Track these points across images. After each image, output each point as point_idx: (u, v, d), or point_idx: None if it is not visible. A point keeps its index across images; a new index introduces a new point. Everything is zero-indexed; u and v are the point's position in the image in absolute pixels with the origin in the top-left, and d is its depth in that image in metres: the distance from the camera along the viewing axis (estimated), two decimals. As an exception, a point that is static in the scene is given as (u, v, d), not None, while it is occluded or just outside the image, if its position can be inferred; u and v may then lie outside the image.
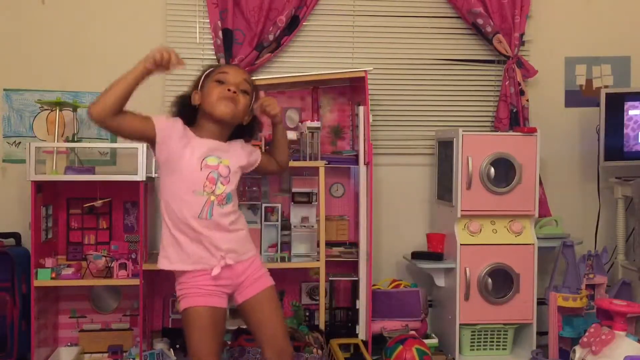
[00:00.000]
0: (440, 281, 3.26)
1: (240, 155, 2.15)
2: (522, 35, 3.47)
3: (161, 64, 2.03)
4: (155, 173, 3.10)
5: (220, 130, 2.11)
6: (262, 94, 2.24)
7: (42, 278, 2.86)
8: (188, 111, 2.13)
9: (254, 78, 2.26)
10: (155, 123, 2.06)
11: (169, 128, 2.06)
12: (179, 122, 2.10)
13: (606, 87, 3.60)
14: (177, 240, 2.04)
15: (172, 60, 2.02)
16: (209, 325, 2.05)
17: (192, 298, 2.06)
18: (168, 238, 2.07)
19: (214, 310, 2.07)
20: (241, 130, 2.17)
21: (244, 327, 3.10)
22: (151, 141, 2.06)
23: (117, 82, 2.07)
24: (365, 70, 3.07)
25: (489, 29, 3.43)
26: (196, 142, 2.07)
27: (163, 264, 2.09)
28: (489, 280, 3.12)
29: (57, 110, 3.03)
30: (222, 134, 2.12)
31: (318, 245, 3.06)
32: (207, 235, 2.03)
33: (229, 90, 2.06)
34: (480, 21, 3.43)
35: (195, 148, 2.05)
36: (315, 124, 3.18)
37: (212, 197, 2.04)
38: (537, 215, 3.18)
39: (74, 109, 3.12)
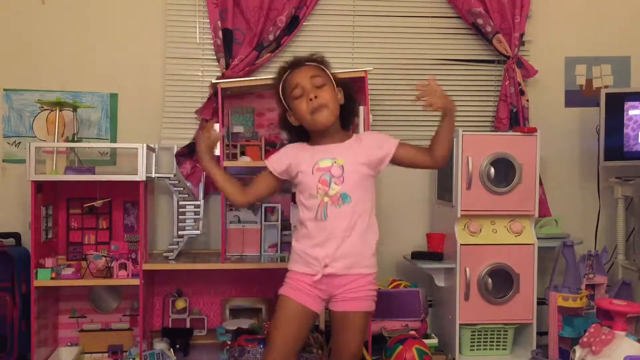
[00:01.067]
0: (440, 281, 3.26)
1: (357, 153, 2.14)
2: (522, 35, 3.47)
3: (207, 145, 2.21)
4: (156, 173, 3.11)
5: (332, 133, 2.16)
6: (429, 83, 2.18)
7: (42, 278, 2.86)
8: (297, 131, 2.21)
9: (317, 57, 2.23)
10: (271, 168, 2.22)
11: (283, 161, 2.20)
12: (288, 148, 2.23)
13: (606, 87, 3.60)
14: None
15: (207, 136, 2.20)
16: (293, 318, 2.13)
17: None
18: None
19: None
20: (344, 109, 2.19)
21: (244, 327, 3.11)
22: (285, 182, 2.25)
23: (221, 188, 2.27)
24: (365, 70, 3.07)
25: (489, 29, 3.43)
26: (308, 151, 2.17)
27: None
28: (489, 280, 3.12)
29: (57, 110, 3.03)
30: (335, 135, 2.17)
31: (318, 245, 3.05)
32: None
33: (310, 100, 2.09)
34: (480, 21, 3.43)
35: (307, 157, 2.15)
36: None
37: (326, 198, 2.10)
38: (537, 215, 3.18)
39: (74, 109, 3.12)
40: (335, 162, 2.11)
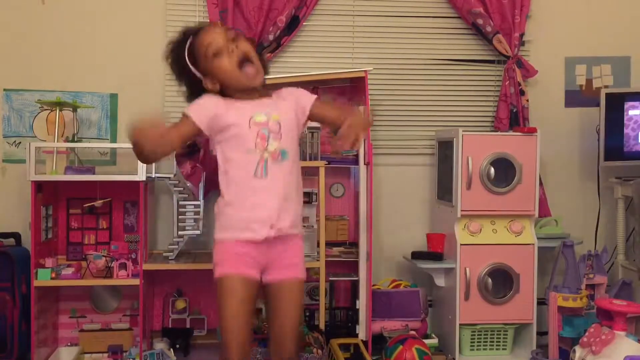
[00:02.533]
0: (440, 281, 3.26)
1: (287, 109, 2.02)
2: (522, 35, 3.47)
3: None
4: (156, 173, 3.11)
5: (256, 90, 2.02)
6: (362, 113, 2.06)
7: (42, 278, 2.86)
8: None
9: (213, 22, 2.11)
10: (195, 118, 1.95)
11: (210, 110, 1.96)
12: (210, 98, 2.00)
13: (606, 87, 3.60)
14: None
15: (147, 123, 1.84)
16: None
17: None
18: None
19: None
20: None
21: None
22: (203, 134, 1.99)
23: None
24: (365, 70, 3.07)
25: (489, 29, 3.44)
26: (237, 104, 1.98)
27: None
28: (489, 280, 3.12)
29: (57, 110, 3.03)
30: (259, 91, 2.03)
31: (318, 245, 3.05)
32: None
33: (232, 51, 1.95)
34: (480, 21, 3.43)
35: (239, 109, 1.97)
36: (316, 124, 3.18)
37: (266, 154, 1.96)
38: (537, 215, 3.18)
39: (74, 109, 3.12)
40: (271, 118, 1.96)
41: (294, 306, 2.01)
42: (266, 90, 2.07)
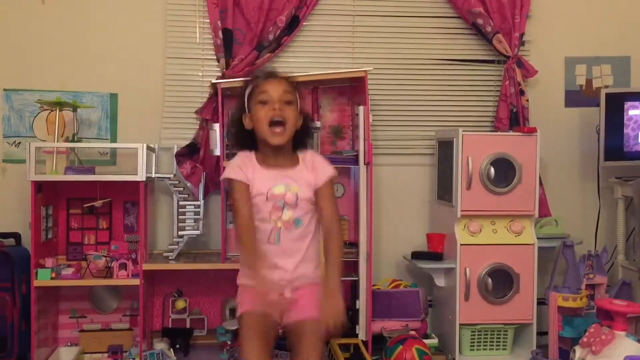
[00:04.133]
0: (440, 281, 3.26)
1: (307, 179, 2.15)
2: (522, 35, 3.47)
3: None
4: (156, 173, 3.11)
5: (283, 153, 2.15)
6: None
7: (42, 278, 2.86)
8: (246, 135, 2.18)
9: (293, 77, 2.25)
10: (244, 179, 2.13)
11: (241, 170, 2.13)
12: (241, 159, 2.17)
13: (606, 87, 3.60)
14: None
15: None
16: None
17: None
18: None
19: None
20: (298, 134, 2.18)
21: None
22: None
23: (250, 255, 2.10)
24: (365, 70, 3.07)
25: (489, 29, 3.43)
26: (262, 174, 2.13)
27: None
28: (489, 280, 3.12)
29: (57, 110, 3.03)
30: (286, 155, 2.17)
31: (318, 245, 3.05)
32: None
33: (274, 110, 2.08)
34: (480, 21, 3.43)
35: (263, 180, 2.12)
36: (315, 124, 3.18)
37: (279, 223, 2.11)
38: (537, 215, 3.18)
39: (74, 109, 3.12)
40: (289, 190, 2.11)
41: (314, 344, 2.11)
42: (294, 155, 2.20)
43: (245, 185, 2.11)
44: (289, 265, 2.11)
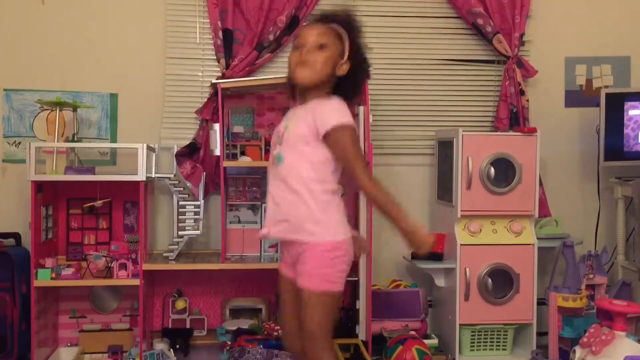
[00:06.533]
0: (440, 281, 3.26)
1: (303, 119, 2.02)
2: (522, 35, 3.47)
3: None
4: (156, 173, 3.11)
5: (309, 95, 2.06)
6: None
7: (42, 278, 2.85)
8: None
9: (341, 18, 2.11)
10: None
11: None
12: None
13: (606, 87, 3.60)
14: None
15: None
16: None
17: None
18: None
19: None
20: (343, 82, 2.08)
21: (244, 327, 3.11)
22: None
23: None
24: (365, 70, 3.06)
25: (489, 29, 3.43)
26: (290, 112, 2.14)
27: None
28: (489, 280, 3.12)
29: (57, 110, 3.03)
30: (314, 99, 2.05)
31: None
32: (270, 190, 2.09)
33: (300, 54, 2.03)
34: (480, 21, 3.43)
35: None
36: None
37: (271, 160, 2.09)
38: (537, 215, 3.18)
39: (74, 109, 3.11)
40: (287, 127, 2.06)
41: (302, 312, 1.99)
42: (319, 98, 2.06)
43: None
44: (270, 205, 2.06)
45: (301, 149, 2.01)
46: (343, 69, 2.07)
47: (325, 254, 1.99)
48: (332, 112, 2.00)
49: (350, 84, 2.11)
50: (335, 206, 2.04)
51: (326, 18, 2.12)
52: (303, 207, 1.99)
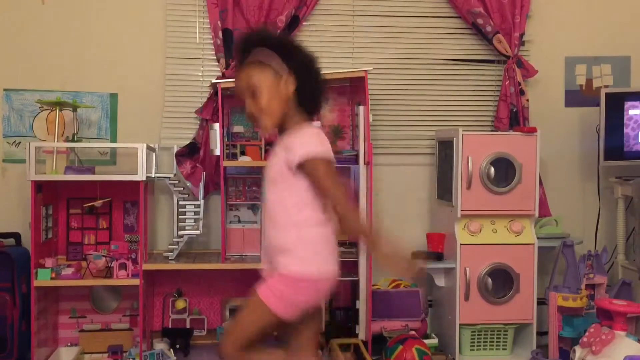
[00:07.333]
0: (440, 281, 3.25)
1: (275, 158, 1.98)
2: (522, 35, 3.47)
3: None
4: (156, 173, 3.12)
5: (281, 129, 2.00)
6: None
7: (42, 278, 2.85)
8: None
9: (252, 54, 1.99)
10: None
11: None
12: None
13: (606, 87, 3.59)
14: None
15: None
16: None
17: None
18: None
19: None
20: (299, 94, 1.97)
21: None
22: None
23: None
24: (365, 70, 3.07)
25: (489, 29, 3.43)
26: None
27: None
28: (489, 280, 3.12)
29: (57, 110, 3.03)
30: (291, 127, 1.98)
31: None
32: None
33: (246, 107, 1.97)
34: (480, 21, 3.43)
35: None
36: (316, 123, 3.18)
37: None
38: (537, 215, 3.18)
39: (74, 109, 3.12)
40: (268, 165, 2.02)
41: (239, 311, 2.02)
42: (291, 128, 1.99)
43: None
44: (264, 248, 2.09)
45: (280, 185, 1.96)
46: (290, 82, 1.95)
47: (290, 281, 1.92)
48: (301, 145, 1.91)
49: (307, 93, 1.99)
50: (319, 239, 1.96)
51: (241, 50, 2.02)
52: (282, 240, 1.95)
